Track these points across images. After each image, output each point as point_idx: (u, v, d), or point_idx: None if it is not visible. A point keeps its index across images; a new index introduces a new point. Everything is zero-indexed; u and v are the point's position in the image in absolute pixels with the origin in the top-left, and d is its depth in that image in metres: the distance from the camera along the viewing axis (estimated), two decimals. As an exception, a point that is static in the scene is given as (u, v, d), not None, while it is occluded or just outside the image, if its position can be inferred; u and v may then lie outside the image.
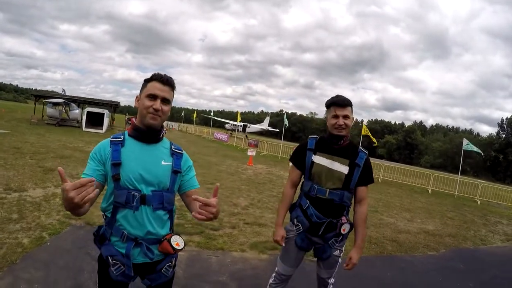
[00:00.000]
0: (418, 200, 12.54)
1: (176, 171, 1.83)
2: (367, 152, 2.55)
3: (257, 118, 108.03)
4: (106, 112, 24.94)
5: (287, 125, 26.96)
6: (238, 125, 46.49)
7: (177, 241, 1.80)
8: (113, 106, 31.41)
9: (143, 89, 1.79)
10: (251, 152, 16.48)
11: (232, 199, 7.75)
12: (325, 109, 2.54)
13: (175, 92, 1.83)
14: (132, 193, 1.70)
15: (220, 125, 67.73)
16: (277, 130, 55.83)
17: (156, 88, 1.73)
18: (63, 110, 25.70)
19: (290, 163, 2.68)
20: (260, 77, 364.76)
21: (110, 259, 1.74)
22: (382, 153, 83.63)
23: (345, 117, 2.40)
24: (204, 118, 66.09)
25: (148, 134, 1.78)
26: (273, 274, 2.80)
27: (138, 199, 1.72)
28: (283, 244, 2.56)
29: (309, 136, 2.62)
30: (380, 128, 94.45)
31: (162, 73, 1.78)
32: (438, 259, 5.68)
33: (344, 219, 2.48)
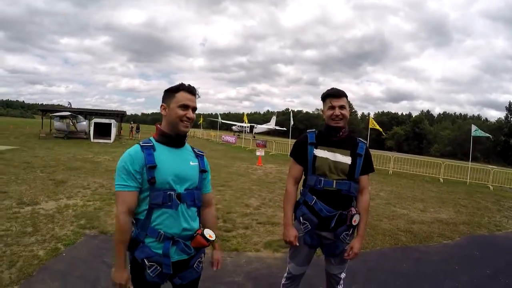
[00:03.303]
0: (430, 189, 12.43)
1: (203, 170, 2.03)
2: (366, 142, 2.56)
3: (264, 118, 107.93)
4: (113, 122, 25.19)
5: (293, 123, 26.89)
6: (245, 126, 46.41)
7: (209, 233, 1.93)
8: (120, 116, 31.64)
9: (171, 99, 1.90)
10: (260, 152, 16.53)
11: (244, 200, 7.77)
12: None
13: None
14: (168, 193, 1.83)
15: (227, 128, 67.90)
16: (285, 128, 55.76)
17: (187, 98, 1.89)
18: (71, 122, 25.96)
19: (291, 159, 2.63)
20: (263, 77, 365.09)
21: (146, 261, 1.79)
22: (391, 145, 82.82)
23: (341, 107, 2.39)
24: (211, 122, 66.54)
25: (176, 139, 1.94)
26: (285, 274, 2.75)
27: (176, 198, 1.84)
28: (297, 244, 2.47)
29: (308, 130, 2.59)
30: (387, 120, 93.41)
31: (186, 83, 1.93)
32: (453, 248, 5.63)
33: (353, 210, 2.43)
